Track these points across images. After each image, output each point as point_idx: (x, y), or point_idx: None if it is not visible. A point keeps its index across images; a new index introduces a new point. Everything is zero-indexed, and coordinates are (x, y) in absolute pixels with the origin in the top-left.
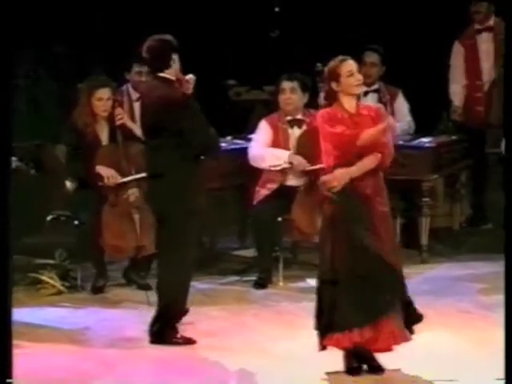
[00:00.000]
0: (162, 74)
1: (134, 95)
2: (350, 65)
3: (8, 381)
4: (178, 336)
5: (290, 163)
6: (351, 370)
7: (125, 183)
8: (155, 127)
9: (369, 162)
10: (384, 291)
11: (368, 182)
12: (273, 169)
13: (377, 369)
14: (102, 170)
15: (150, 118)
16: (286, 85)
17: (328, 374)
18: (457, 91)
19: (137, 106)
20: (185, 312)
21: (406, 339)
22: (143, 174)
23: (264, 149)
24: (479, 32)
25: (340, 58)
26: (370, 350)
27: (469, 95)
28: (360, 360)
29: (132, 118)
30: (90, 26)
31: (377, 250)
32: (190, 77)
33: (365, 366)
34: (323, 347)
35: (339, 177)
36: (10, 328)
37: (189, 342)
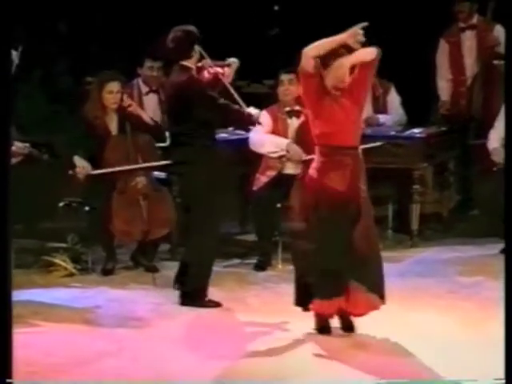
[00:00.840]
0: (183, 63)
1: (144, 89)
2: None
3: (8, 381)
4: (207, 299)
5: (287, 151)
6: (323, 329)
7: (133, 171)
8: (177, 114)
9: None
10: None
11: (348, 168)
12: (271, 155)
13: (349, 327)
14: (77, 161)
15: (171, 104)
16: (285, 77)
17: (309, 334)
18: (443, 86)
19: (146, 99)
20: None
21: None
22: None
23: (264, 135)
24: (463, 30)
25: None
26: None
27: (454, 90)
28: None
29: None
30: (101, 22)
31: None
32: (233, 60)
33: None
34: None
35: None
36: (11, 328)
37: (217, 305)
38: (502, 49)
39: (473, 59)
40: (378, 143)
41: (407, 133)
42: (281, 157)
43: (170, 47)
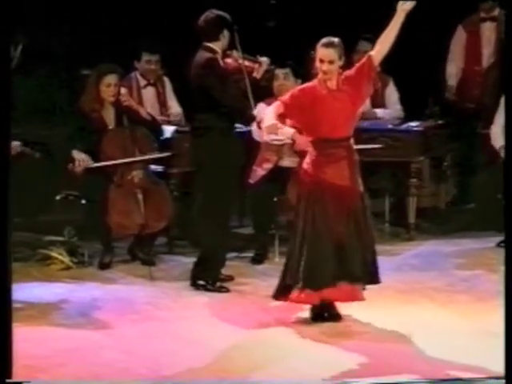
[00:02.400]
0: (208, 44)
1: (142, 82)
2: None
3: (8, 381)
4: (218, 284)
5: (293, 140)
6: (317, 316)
7: (129, 165)
8: (194, 96)
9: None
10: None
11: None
12: (275, 143)
13: (336, 316)
14: (76, 155)
15: (191, 85)
16: (280, 71)
17: (294, 323)
18: (453, 72)
19: (144, 92)
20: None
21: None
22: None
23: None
24: (484, 20)
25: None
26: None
27: (466, 78)
28: (322, 308)
29: (140, 104)
30: (98, 16)
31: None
32: (264, 60)
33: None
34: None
35: None
36: (11, 328)
37: (227, 290)
38: None
39: (490, 50)
40: (375, 145)
41: (404, 126)
42: (279, 148)
43: (200, 26)
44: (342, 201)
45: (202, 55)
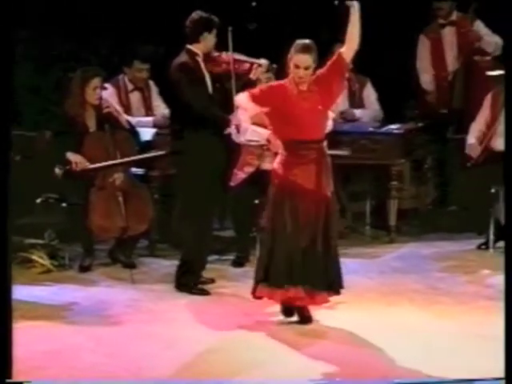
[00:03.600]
0: (189, 46)
1: (130, 87)
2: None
3: (8, 381)
4: (199, 287)
5: (268, 141)
6: (287, 311)
7: (111, 167)
8: (168, 98)
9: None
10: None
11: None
12: (252, 143)
13: (307, 319)
14: (71, 156)
15: (171, 87)
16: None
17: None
18: (427, 80)
19: (132, 96)
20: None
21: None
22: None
23: (247, 124)
24: (443, 26)
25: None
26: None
27: (437, 85)
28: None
29: (128, 108)
30: (88, 20)
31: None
32: (263, 62)
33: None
34: (257, 297)
35: None
36: (11, 328)
37: (207, 293)
38: (483, 44)
39: (454, 55)
40: (345, 152)
41: (385, 129)
42: (260, 152)
43: (185, 28)
44: (309, 204)
45: (179, 58)
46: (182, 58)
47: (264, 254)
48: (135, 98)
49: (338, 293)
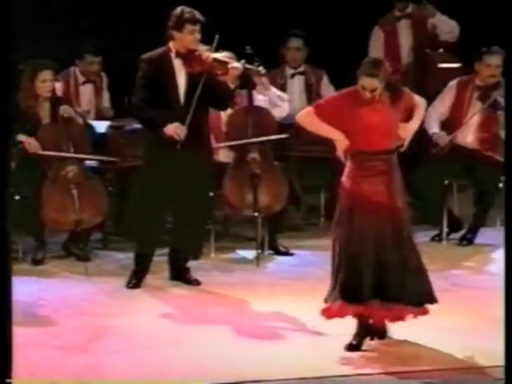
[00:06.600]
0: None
1: (81, 79)
2: None
3: (8, 381)
4: (189, 276)
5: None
6: (351, 346)
7: (64, 160)
8: None
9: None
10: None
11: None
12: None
13: (383, 333)
14: (23, 138)
15: None
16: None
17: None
18: None
19: (82, 89)
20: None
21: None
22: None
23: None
24: (398, 19)
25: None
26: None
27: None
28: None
29: (77, 100)
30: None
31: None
32: (238, 65)
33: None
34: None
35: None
36: (11, 328)
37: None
38: (442, 37)
39: (408, 48)
40: (283, 135)
41: None
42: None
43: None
44: (379, 217)
45: (149, 53)
46: (152, 52)
47: (333, 273)
48: (87, 90)
49: (420, 306)
